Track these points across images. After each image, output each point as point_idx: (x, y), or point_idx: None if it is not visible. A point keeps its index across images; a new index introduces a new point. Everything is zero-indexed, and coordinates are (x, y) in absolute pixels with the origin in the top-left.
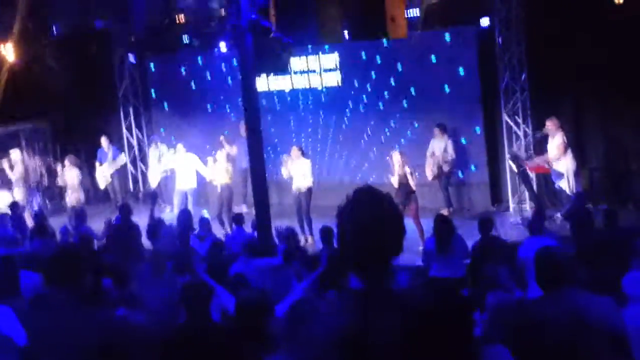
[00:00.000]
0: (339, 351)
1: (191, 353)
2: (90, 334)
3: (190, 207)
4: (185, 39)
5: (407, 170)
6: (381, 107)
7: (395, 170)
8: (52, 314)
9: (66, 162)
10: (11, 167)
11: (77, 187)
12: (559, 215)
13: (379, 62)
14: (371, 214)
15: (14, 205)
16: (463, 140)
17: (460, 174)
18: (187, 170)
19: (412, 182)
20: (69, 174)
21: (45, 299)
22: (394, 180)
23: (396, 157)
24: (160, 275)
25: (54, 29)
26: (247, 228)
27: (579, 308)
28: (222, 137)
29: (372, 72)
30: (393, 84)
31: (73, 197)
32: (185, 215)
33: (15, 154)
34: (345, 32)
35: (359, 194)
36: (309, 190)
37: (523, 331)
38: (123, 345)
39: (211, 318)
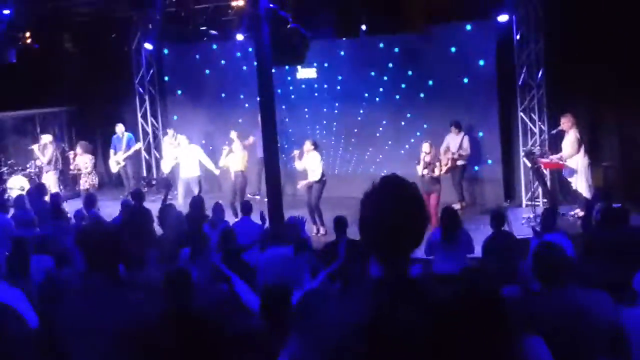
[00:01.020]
0: (356, 338)
1: (169, 340)
2: (122, 317)
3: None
4: (203, 28)
5: (438, 159)
6: (397, 99)
7: (422, 158)
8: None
9: (78, 148)
10: (42, 152)
11: (91, 172)
12: (572, 213)
13: (396, 52)
14: (395, 203)
15: (41, 188)
16: (480, 134)
17: (475, 168)
18: (190, 160)
19: (438, 171)
20: (81, 161)
21: (58, 282)
22: (419, 169)
23: (425, 146)
24: (169, 261)
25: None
26: (256, 218)
27: (574, 303)
28: (236, 134)
29: (390, 63)
30: (410, 74)
31: (87, 182)
32: (198, 202)
33: (45, 137)
34: (363, 26)
35: (385, 181)
36: (320, 182)
37: (522, 324)
38: (146, 329)
39: (191, 305)
